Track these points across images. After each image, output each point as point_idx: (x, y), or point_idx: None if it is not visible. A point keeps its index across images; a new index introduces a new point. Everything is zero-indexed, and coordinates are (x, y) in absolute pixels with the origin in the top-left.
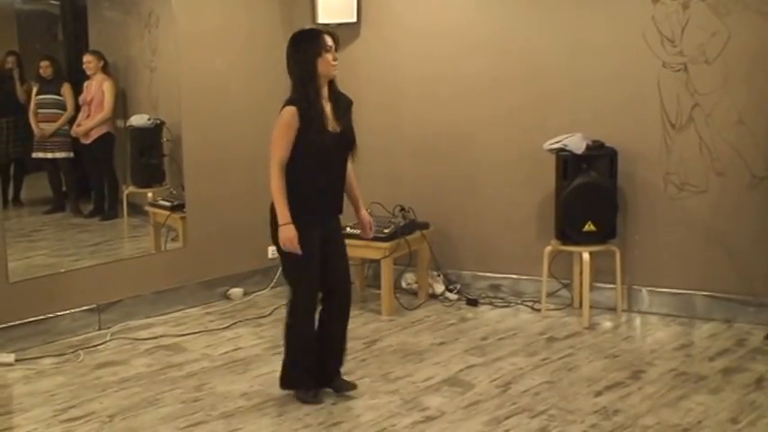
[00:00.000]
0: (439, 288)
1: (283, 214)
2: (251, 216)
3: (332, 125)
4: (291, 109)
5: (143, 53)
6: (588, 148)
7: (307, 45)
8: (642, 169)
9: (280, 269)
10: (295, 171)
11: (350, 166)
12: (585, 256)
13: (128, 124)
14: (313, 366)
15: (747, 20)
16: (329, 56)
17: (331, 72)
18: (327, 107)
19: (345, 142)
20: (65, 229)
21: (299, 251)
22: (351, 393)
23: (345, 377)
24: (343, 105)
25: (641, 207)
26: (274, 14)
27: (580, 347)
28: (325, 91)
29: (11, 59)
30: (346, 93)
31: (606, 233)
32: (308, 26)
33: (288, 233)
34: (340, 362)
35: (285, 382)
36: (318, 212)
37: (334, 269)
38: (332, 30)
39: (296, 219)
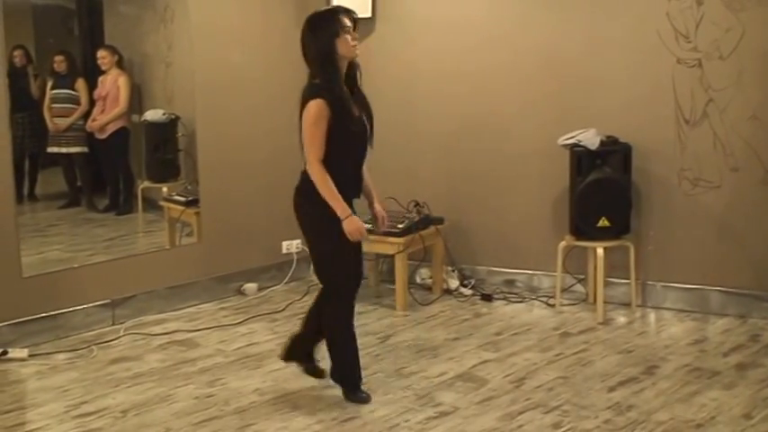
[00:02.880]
0: (453, 283)
1: (342, 207)
2: (266, 211)
3: (356, 110)
4: (319, 102)
5: (158, 48)
6: (602, 143)
7: (325, 26)
8: (656, 165)
9: (295, 265)
10: (326, 161)
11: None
12: (600, 251)
13: (143, 119)
14: (356, 363)
15: (762, 15)
16: (348, 36)
17: (351, 53)
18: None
19: (366, 127)
20: (79, 225)
21: (368, 238)
22: (364, 389)
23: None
24: (357, 87)
25: (655, 203)
26: (289, 9)
27: (594, 343)
28: (343, 74)
29: (18, 53)
30: (361, 87)
31: (620, 229)
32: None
33: (354, 224)
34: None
35: (339, 377)
36: (347, 200)
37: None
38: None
39: (330, 211)
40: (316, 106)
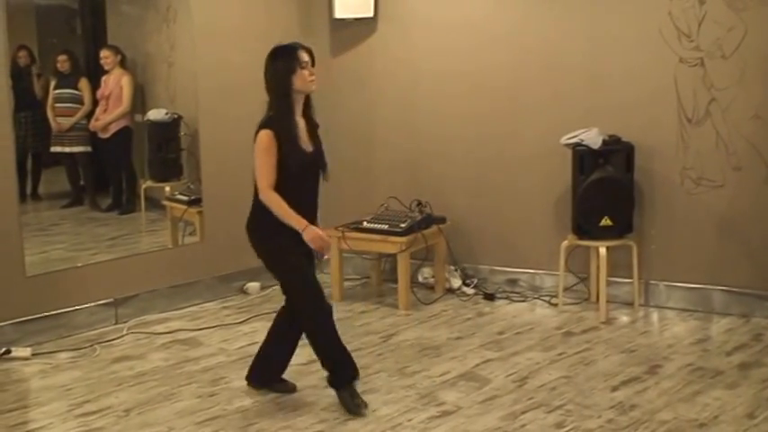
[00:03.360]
0: (456, 282)
1: (298, 220)
2: None
3: (305, 143)
4: (268, 132)
5: (161, 48)
6: (605, 142)
7: (282, 61)
8: (659, 164)
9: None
10: (278, 190)
11: None
12: (602, 250)
13: (146, 119)
14: (348, 359)
15: (764, 15)
16: (305, 72)
17: (308, 87)
18: (301, 123)
19: (318, 161)
20: (82, 224)
21: (329, 245)
22: (366, 388)
23: (362, 370)
24: (314, 126)
25: (658, 202)
26: (292, 10)
27: (597, 342)
28: (300, 107)
29: (23, 54)
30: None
31: (623, 228)
32: (287, 41)
33: (313, 233)
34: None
35: (334, 380)
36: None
37: None
38: (308, 45)
39: (279, 234)
40: (265, 136)
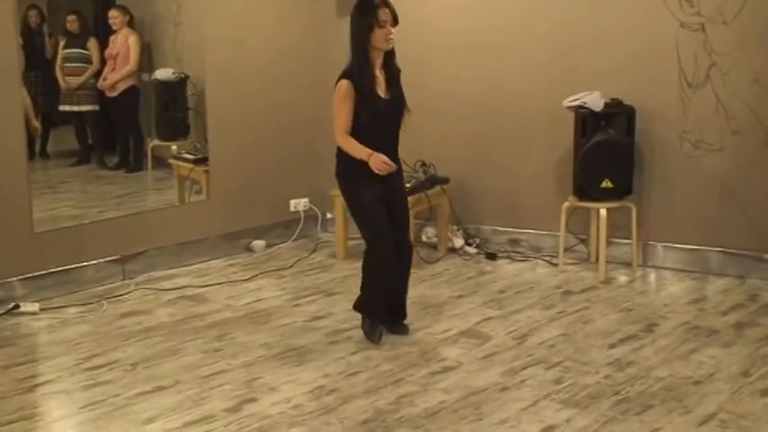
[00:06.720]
0: (458, 242)
1: (363, 151)
2: (274, 170)
3: (384, 92)
4: (345, 82)
5: (168, 7)
6: (606, 105)
7: (363, 17)
8: (659, 127)
9: (302, 223)
10: (353, 136)
11: None
12: (602, 212)
13: (153, 78)
14: (384, 300)
15: None
16: (384, 30)
17: (384, 46)
18: (381, 76)
19: (396, 109)
20: (90, 182)
21: (394, 166)
22: (368, 344)
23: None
24: (394, 74)
25: (657, 164)
26: None
27: (595, 301)
28: (379, 61)
29: (33, 13)
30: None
31: (623, 190)
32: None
33: (377, 158)
34: (401, 314)
35: (357, 304)
36: (375, 174)
37: (396, 229)
38: (391, 4)
39: (356, 173)
40: (343, 86)
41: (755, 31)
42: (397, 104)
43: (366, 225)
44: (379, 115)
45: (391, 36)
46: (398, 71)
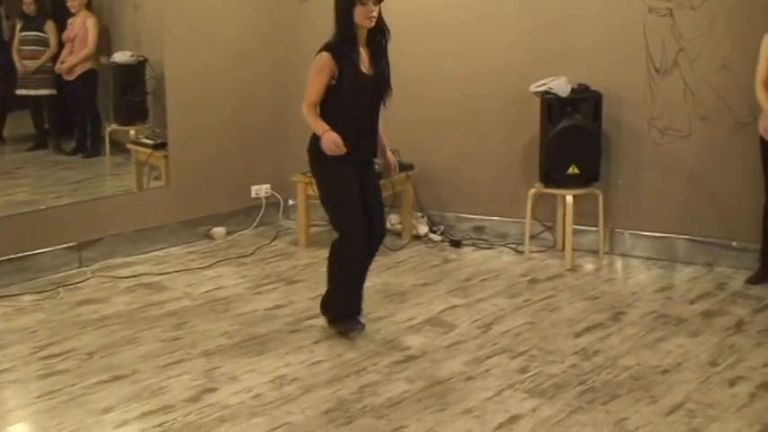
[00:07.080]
0: (423, 229)
1: (320, 126)
2: (235, 156)
3: (366, 68)
4: (326, 54)
5: None
6: (573, 91)
7: None
8: (626, 113)
9: (263, 209)
10: (331, 111)
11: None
12: (569, 198)
13: (111, 61)
14: (355, 297)
15: None
16: (364, 8)
17: (366, 24)
18: (364, 52)
19: (379, 85)
20: (46, 167)
21: (344, 150)
22: (331, 333)
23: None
24: (380, 51)
25: (625, 151)
26: None
27: (562, 289)
28: (363, 38)
29: None
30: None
31: (589, 176)
32: None
33: (330, 137)
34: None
35: (324, 307)
36: (351, 151)
37: (369, 218)
38: None
39: (332, 159)
40: (322, 58)
41: (723, 17)
42: (380, 80)
43: (338, 210)
44: (362, 90)
45: (373, 14)
46: (385, 42)
